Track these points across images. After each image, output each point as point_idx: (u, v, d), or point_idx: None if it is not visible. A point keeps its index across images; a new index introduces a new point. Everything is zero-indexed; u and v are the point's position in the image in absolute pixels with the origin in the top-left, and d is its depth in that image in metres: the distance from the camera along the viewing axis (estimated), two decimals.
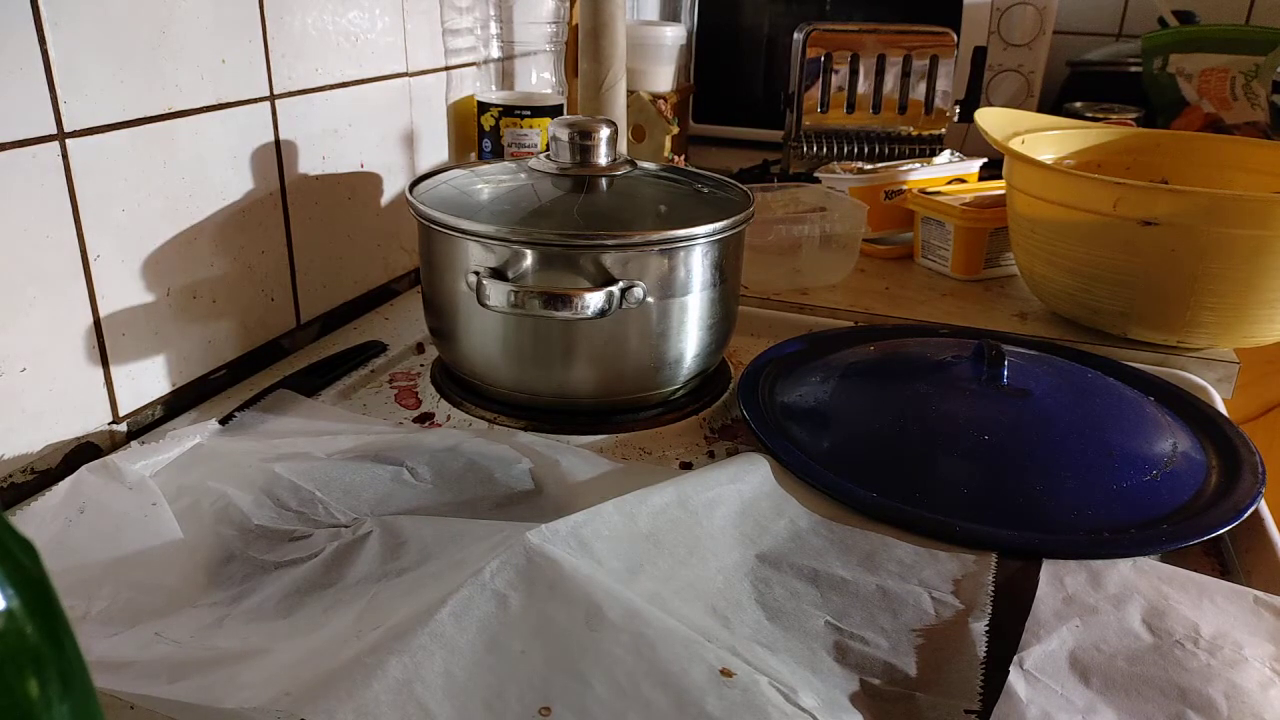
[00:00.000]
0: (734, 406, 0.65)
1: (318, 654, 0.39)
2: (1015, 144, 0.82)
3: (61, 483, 0.52)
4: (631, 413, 0.63)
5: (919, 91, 1.14)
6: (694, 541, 0.48)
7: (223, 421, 0.59)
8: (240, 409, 0.61)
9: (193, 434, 0.57)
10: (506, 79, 0.98)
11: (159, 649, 0.41)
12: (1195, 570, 0.48)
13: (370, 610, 0.42)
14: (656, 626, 0.40)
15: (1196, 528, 0.50)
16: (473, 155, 0.95)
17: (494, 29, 0.94)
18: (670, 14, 1.46)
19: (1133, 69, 1.35)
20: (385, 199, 0.83)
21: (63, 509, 0.50)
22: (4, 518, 0.20)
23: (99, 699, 0.23)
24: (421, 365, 0.71)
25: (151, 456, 0.54)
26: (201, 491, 0.51)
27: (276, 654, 0.40)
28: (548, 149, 0.66)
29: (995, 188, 0.92)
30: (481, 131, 0.92)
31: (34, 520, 0.49)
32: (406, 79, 0.83)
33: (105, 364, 0.58)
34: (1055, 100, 1.37)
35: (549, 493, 0.53)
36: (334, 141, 0.75)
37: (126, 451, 0.55)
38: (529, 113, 0.90)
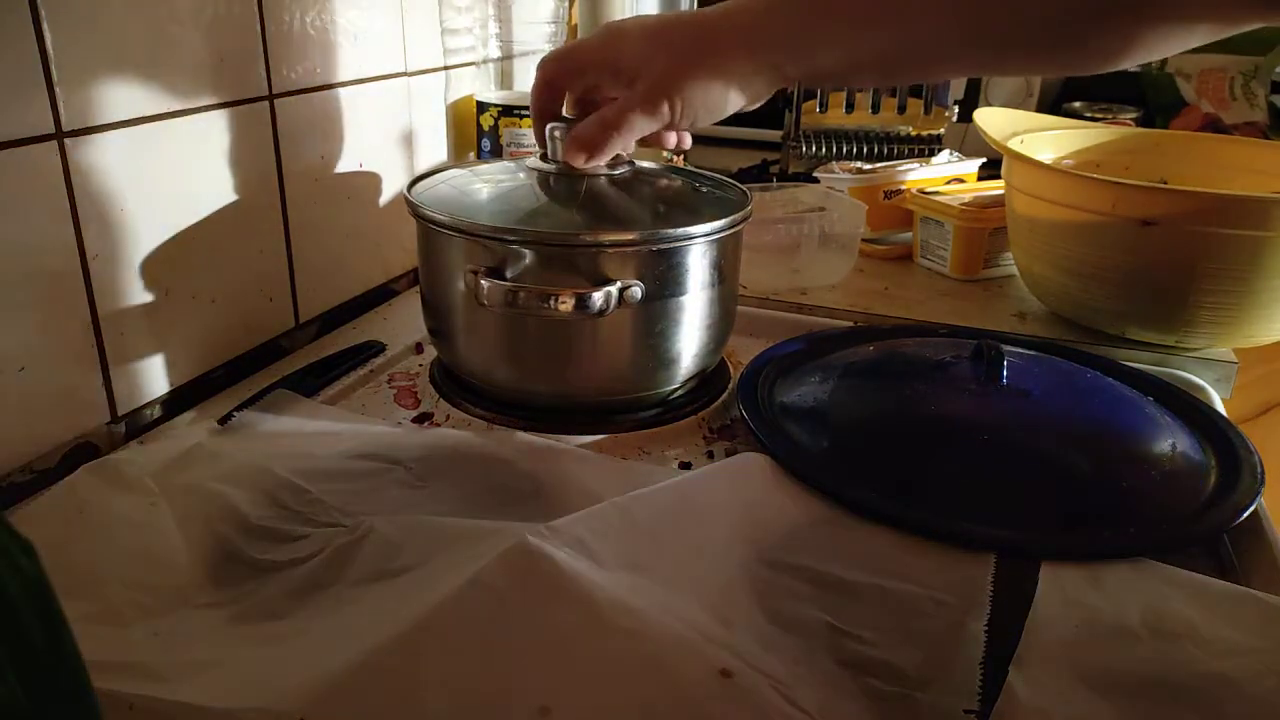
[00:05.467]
0: (733, 406, 0.65)
1: (317, 654, 0.39)
2: (1014, 144, 0.82)
3: (60, 483, 0.52)
4: (630, 413, 0.63)
5: (918, 91, 1.14)
6: (694, 542, 0.48)
7: (221, 421, 0.59)
8: (239, 409, 0.61)
9: (192, 434, 0.57)
10: (505, 79, 0.98)
11: (159, 649, 0.41)
12: (1195, 570, 0.48)
13: (370, 610, 0.42)
14: (656, 626, 0.40)
15: (1196, 528, 0.51)
16: (471, 155, 0.95)
17: (493, 28, 0.94)
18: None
19: (1131, 69, 1.35)
20: (384, 199, 0.83)
21: (61, 509, 0.50)
22: (3, 518, 0.20)
23: (99, 699, 0.23)
24: (420, 365, 0.71)
25: (150, 456, 0.54)
26: (201, 491, 0.51)
27: (276, 654, 0.40)
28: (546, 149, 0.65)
29: (994, 188, 0.92)
30: (480, 131, 0.92)
31: (33, 520, 0.49)
32: (405, 78, 0.83)
33: (104, 363, 0.58)
34: (1054, 100, 1.37)
35: (549, 493, 0.53)
36: (333, 141, 0.75)
37: (125, 451, 0.55)
38: (528, 112, 0.90)
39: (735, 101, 0.56)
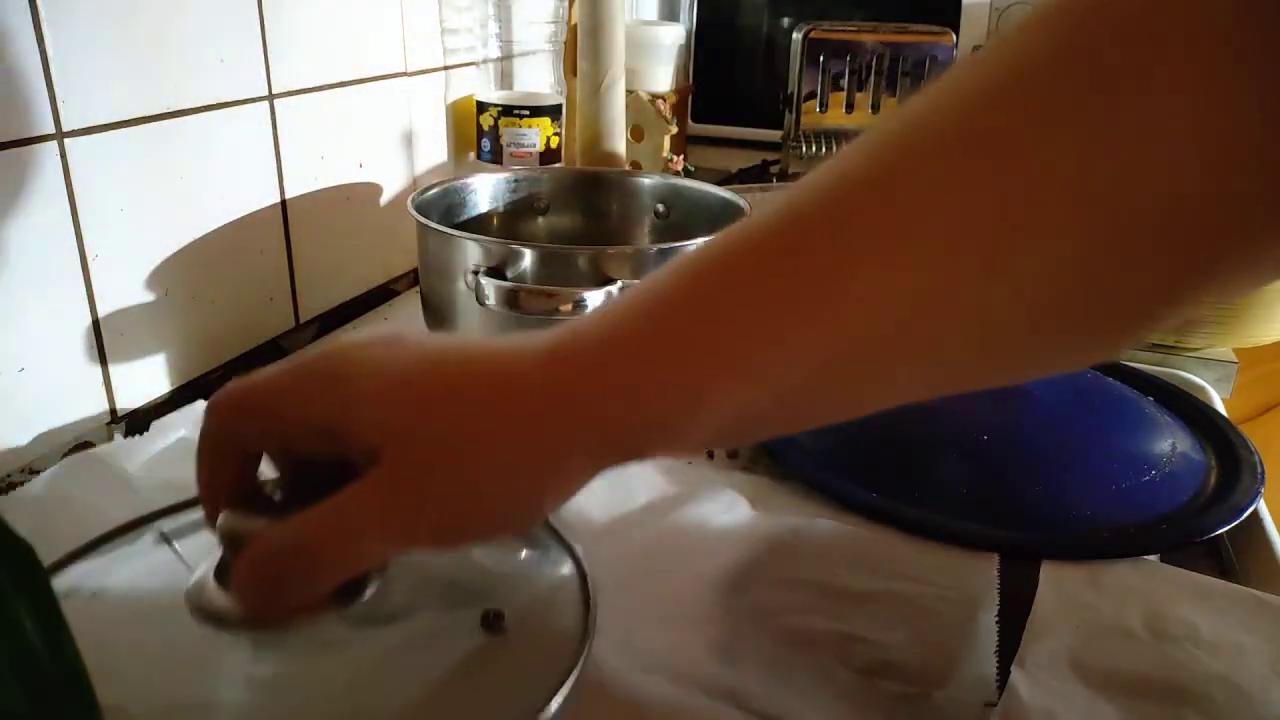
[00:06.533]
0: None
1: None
2: None
3: (44, 473, 0.51)
4: None
5: (918, 91, 1.13)
6: (692, 566, 0.47)
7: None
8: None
9: (177, 425, 0.56)
10: (505, 79, 0.98)
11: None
12: (1195, 570, 0.48)
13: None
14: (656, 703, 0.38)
15: (1196, 528, 0.50)
16: (471, 155, 0.95)
17: (493, 28, 0.94)
18: (669, 13, 1.46)
19: None
20: (384, 199, 0.83)
21: (44, 500, 0.49)
22: (2, 520, 0.20)
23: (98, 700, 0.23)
24: None
25: (137, 450, 0.53)
26: (185, 489, 0.49)
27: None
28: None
29: None
30: (480, 131, 0.92)
31: (14, 509, 0.48)
32: (405, 78, 0.83)
33: (104, 363, 0.58)
34: None
35: None
36: (333, 141, 0.75)
37: (111, 446, 0.54)
38: (528, 112, 0.90)
39: (527, 517, 0.32)
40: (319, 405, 0.30)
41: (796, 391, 0.29)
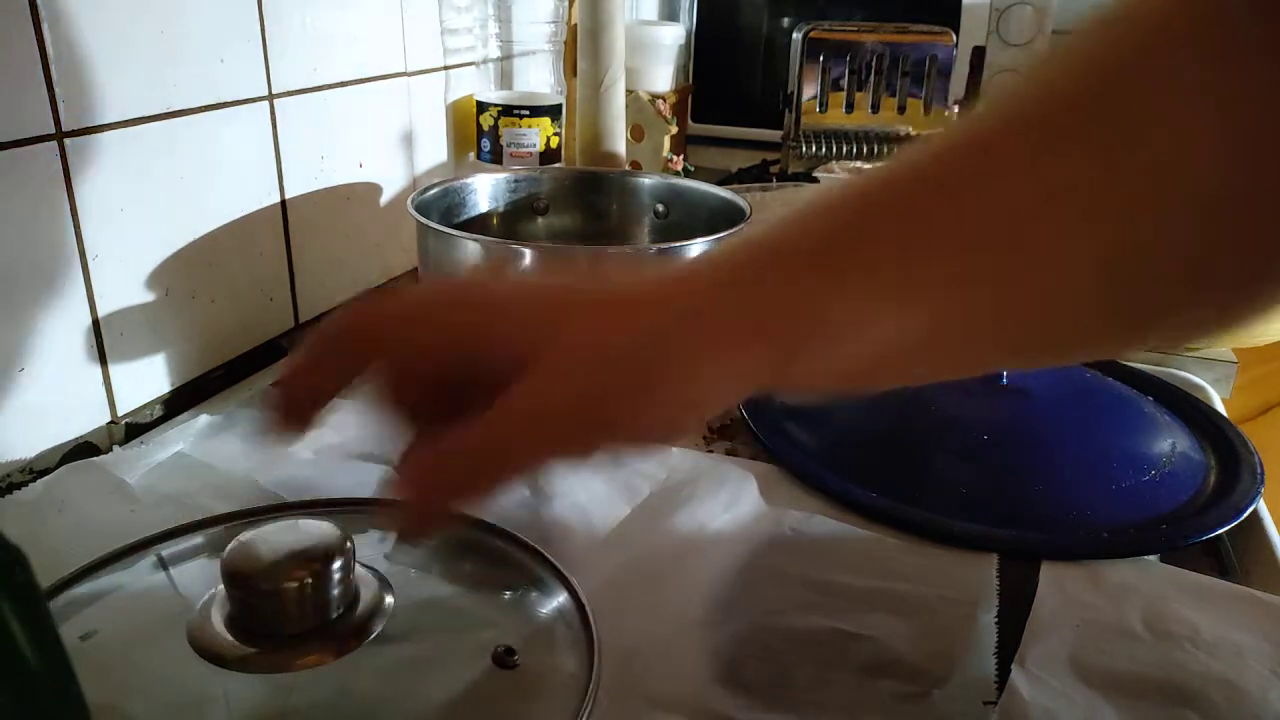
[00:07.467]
0: (733, 407, 0.64)
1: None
2: None
3: (43, 479, 0.51)
4: None
5: (918, 91, 1.14)
6: (691, 573, 0.47)
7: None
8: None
9: (175, 439, 0.56)
10: (505, 79, 0.98)
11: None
12: (1195, 570, 0.48)
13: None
14: None
15: (1195, 528, 0.50)
16: (471, 155, 0.95)
17: (493, 28, 0.94)
18: (669, 13, 1.46)
19: None
20: (384, 199, 0.83)
21: (40, 504, 0.49)
22: None
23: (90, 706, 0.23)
24: None
25: (135, 461, 0.53)
26: (181, 504, 0.49)
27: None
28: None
29: None
30: (480, 131, 0.92)
31: (10, 512, 0.49)
32: (405, 78, 0.83)
33: (104, 363, 0.58)
34: None
35: (546, 493, 0.53)
36: (332, 141, 0.75)
37: (110, 455, 0.54)
38: (528, 112, 0.90)
39: (693, 425, 0.31)
40: (462, 324, 0.30)
41: (927, 337, 0.29)
